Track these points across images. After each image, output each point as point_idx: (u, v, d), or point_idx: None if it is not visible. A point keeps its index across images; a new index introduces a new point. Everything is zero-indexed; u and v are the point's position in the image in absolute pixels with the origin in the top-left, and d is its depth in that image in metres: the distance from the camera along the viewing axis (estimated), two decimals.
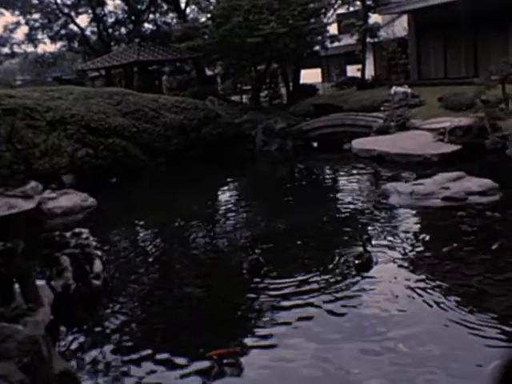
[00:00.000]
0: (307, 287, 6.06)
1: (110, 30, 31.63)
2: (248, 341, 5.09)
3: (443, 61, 23.40)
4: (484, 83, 13.88)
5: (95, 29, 31.68)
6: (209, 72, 28.75)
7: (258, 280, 6.48)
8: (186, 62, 27.63)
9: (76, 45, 33.10)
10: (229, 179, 14.01)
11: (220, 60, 24.68)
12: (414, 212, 8.81)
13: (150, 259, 7.87)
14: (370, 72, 27.19)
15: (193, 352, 4.86)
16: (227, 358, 4.67)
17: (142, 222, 10.45)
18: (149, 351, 4.96)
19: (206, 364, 4.63)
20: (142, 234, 9.75)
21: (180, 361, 4.76)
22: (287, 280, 6.34)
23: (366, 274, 6.34)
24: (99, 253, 6.83)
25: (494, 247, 6.70)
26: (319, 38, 24.04)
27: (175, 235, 9.17)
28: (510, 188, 9.42)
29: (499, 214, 8.18)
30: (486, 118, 13.20)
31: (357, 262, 6.61)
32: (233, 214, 10.30)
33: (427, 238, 7.54)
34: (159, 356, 4.86)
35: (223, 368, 4.58)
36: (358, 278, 6.25)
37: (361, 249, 6.82)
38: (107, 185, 13.27)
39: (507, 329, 4.77)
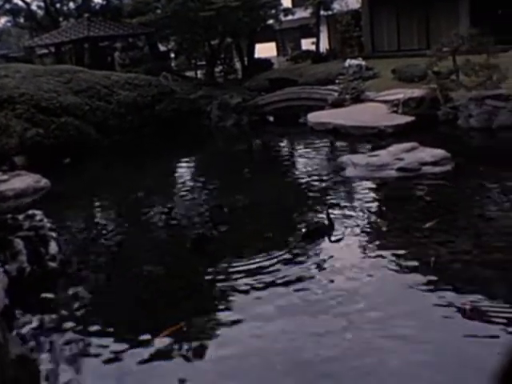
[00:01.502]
0: (265, 262, 6.08)
1: (58, 5, 30.46)
2: (206, 317, 5.09)
3: (396, 33, 23.61)
4: (435, 55, 14.06)
5: (42, 3, 30.47)
6: (162, 48, 28.17)
7: (215, 256, 6.49)
8: (139, 37, 27.00)
9: (22, 20, 31.84)
10: (185, 156, 13.89)
11: (173, 35, 24.23)
12: (369, 183, 8.93)
13: (108, 239, 7.75)
14: (324, 45, 27.20)
15: (151, 330, 4.83)
16: (180, 336, 4.67)
17: (98, 202, 10.28)
18: (107, 331, 4.92)
19: (165, 342, 4.62)
20: (98, 214, 9.60)
21: (139, 340, 4.73)
22: (245, 255, 6.36)
23: (322, 246, 6.42)
24: (54, 234, 6.68)
25: (427, 225, 6.68)
26: (273, 11, 23.88)
27: (133, 214, 9.06)
28: (462, 157, 9.65)
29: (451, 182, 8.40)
30: (438, 89, 13.42)
31: (304, 230, 6.75)
32: (191, 190, 10.24)
33: (381, 208, 7.68)
34: (118, 336, 4.83)
35: (179, 346, 4.58)
36: (316, 250, 6.33)
37: (315, 219, 6.93)
38: (61, 165, 12.94)
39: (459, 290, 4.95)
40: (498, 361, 1.65)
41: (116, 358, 4.51)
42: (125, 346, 4.65)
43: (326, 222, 6.88)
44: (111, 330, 4.96)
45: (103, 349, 4.63)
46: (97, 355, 4.56)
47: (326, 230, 6.77)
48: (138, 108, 16.75)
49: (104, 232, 8.17)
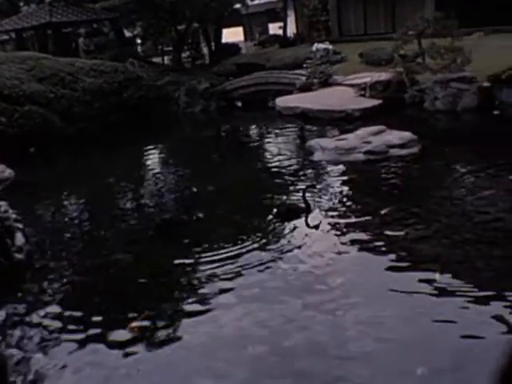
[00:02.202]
0: (235, 247, 6.10)
1: None
2: (178, 304, 5.09)
3: (363, 17, 23.68)
4: (401, 38, 14.14)
5: None
6: (128, 33, 27.72)
7: (184, 241, 6.48)
8: (103, 23, 26.51)
9: None
10: (153, 142, 13.74)
11: (139, 20, 23.82)
12: (337, 167, 8.98)
13: (76, 229, 7.67)
14: (291, 29, 27.11)
15: (121, 319, 4.80)
16: (150, 325, 4.65)
17: (65, 191, 10.10)
18: (76, 322, 4.86)
19: (133, 332, 4.59)
20: (65, 204, 9.44)
21: (108, 330, 4.69)
22: (215, 239, 6.37)
23: (293, 229, 6.45)
24: (20, 225, 6.57)
25: (383, 212, 6.73)
26: None
27: (101, 202, 8.96)
28: (428, 139, 9.77)
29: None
30: (404, 73, 13.53)
31: (275, 211, 6.87)
32: (160, 177, 10.16)
33: (349, 191, 7.74)
34: (88, 326, 4.77)
35: (150, 335, 4.56)
36: (286, 234, 6.37)
37: (285, 202, 6.99)
38: (26, 155, 12.68)
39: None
40: (497, 361, 1.64)
41: (86, 348, 4.47)
42: (95, 336, 4.61)
43: (302, 203, 6.97)
44: (80, 320, 4.90)
45: (73, 340, 4.59)
46: (66, 347, 4.51)
47: (298, 212, 6.84)
48: (104, 95, 16.46)
49: (72, 221, 8.07)
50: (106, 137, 14.57)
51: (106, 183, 9.84)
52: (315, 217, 6.76)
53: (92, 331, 4.69)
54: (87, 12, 23.83)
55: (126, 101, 16.93)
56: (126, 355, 4.33)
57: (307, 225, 6.65)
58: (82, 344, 4.54)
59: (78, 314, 5.07)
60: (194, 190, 7.53)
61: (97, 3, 22.03)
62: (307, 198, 7.02)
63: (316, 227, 6.51)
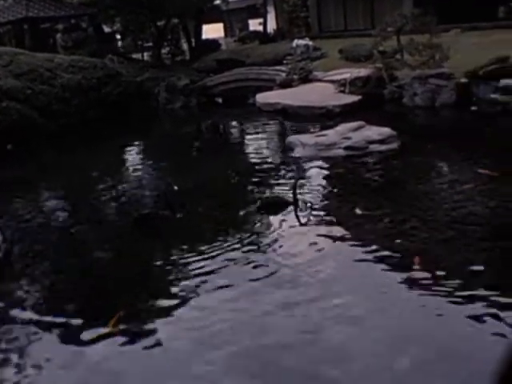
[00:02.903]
0: (217, 243, 6.08)
1: None
2: (160, 302, 5.06)
3: (343, 13, 23.78)
4: (380, 35, 14.24)
5: None
6: (107, 29, 27.47)
7: (164, 239, 6.47)
8: (82, 18, 26.22)
9: None
10: (133, 139, 13.66)
11: (118, 16, 23.61)
12: (317, 163, 9.01)
13: (55, 227, 7.60)
14: (272, 26, 27.11)
15: (100, 318, 4.76)
16: (128, 323, 4.63)
17: (43, 189, 10.02)
18: (56, 321, 4.81)
19: (112, 331, 4.56)
20: (44, 201, 9.34)
21: (88, 328, 4.65)
22: (196, 236, 6.37)
23: (276, 227, 6.47)
24: None
25: (359, 210, 6.83)
26: None
27: (81, 199, 8.88)
28: (407, 135, 9.86)
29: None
30: (383, 69, 13.61)
31: (259, 202, 6.96)
32: (140, 174, 10.10)
33: (329, 186, 7.79)
34: (67, 325, 4.72)
35: (128, 333, 4.54)
36: (266, 229, 6.39)
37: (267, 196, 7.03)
38: (3, 152, 12.51)
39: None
40: (497, 363, 1.63)
41: (63, 347, 4.44)
42: (74, 335, 4.56)
43: (286, 197, 7.04)
44: (60, 320, 4.85)
45: (52, 339, 4.55)
46: (43, 346, 4.47)
47: (282, 205, 6.90)
48: (83, 91, 16.31)
49: (51, 218, 8.00)
50: (85, 133, 14.45)
51: (85, 180, 9.77)
52: (302, 211, 6.81)
53: (70, 330, 4.64)
54: (65, 7, 23.56)
55: (105, 97, 16.80)
56: (104, 354, 4.29)
57: (297, 219, 6.67)
58: (59, 343, 4.52)
59: (57, 313, 5.02)
60: (175, 186, 7.48)
61: None
62: (295, 192, 7.06)
63: (304, 222, 6.55)
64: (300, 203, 6.95)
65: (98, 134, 14.33)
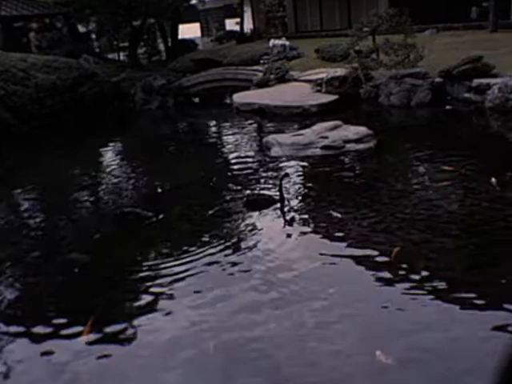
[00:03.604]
0: (197, 243, 6.05)
1: None
2: (133, 305, 5.01)
3: (319, 13, 23.92)
4: (356, 34, 14.33)
5: None
6: (82, 29, 27.19)
7: (143, 242, 6.40)
8: (56, 18, 25.92)
9: None
10: (110, 140, 13.53)
11: (93, 16, 23.39)
12: (294, 162, 9.02)
13: (30, 229, 7.47)
14: (248, 25, 27.15)
15: (77, 321, 4.70)
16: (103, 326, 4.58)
17: (18, 191, 9.84)
18: (28, 328, 4.72)
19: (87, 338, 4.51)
20: (19, 203, 9.19)
21: (65, 332, 4.59)
22: (177, 237, 6.33)
23: (258, 227, 6.46)
24: None
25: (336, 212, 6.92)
26: None
27: (57, 201, 8.77)
28: (383, 134, 9.94)
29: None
30: (359, 68, 13.71)
31: (245, 199, 7.04)
32: (117, 175, 9.98)
33: (306, 185, 7.80)
34: (40, 333, 4.64)
35: (104, 336, 4.49)
36: (248, 229, 6.38)
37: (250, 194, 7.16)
38: None
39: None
40: (498, 362, 1.63)
41: (36, 351, 4.37)
42: (47, 342, 4.48)
43: (269, 195, 7.12)
44: (32, 327, 4.75)
45: (22, 344, 4.47)
46: (16, 349, 4.40)
47: (267, 202, 6.94)
48: (57, 92, 16.14)
49: (25, 221, 7.86)
50: (60, 135, 14.30)
51: (61, 182, 9.65)
52: (286, 210, 6.83)
53: (44, 334, 4.57)
54: (39, 6, 23.28)
55: (80, 98, 16.65)
56: (79, 357, 4.23)
57: (283, 217, 6.68)
58: (32, 347, 4.44)
59: (30, 317, 4.95)
60: (156, 187, 7.40)
61: None
62: (281, 190, 7.09)
63: (285, 221, 6.57)
64: (286, 201, 6.99)
65: (73, 136, 14.19)
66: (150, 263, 5.76)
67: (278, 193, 7.09)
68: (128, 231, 6.75)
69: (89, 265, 5.98)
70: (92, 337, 4.44)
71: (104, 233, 6.92)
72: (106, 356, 4.23)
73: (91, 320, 4.58)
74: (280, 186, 7.07)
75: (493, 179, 7.02)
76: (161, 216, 6.98)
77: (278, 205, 6.95)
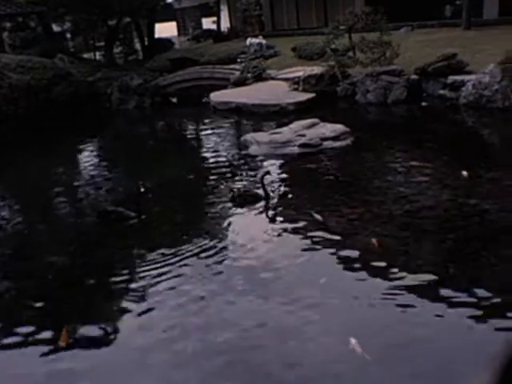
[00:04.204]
0: (180, 243, 6.02)
1: None
2: (116, 307, 4.97)
3: (295, 12, 23.97)
4: (332, 33, 14.40)
5: None
6: (57, 28, 26.85)
7: (124, 243, 6.36)
8: (30, 17, 25.55)
9: None
10: (87, 140, 13.40)
11: (68, 15, 23.12)
12: (272, 160, 9.04)
13: (7, 232, 7.35)
14: (225, 24, 27.08)
15: (57, 325, 4.64)
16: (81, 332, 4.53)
17: None
18: (3, 331, 4.67)
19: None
20: None
21: (39, 338, 4.52)
22: (159, 238, 6.30)
23: (233, 225, 6.47)
24: None
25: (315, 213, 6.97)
26: None
27: (35, 203, 8.64)
28: (360, 131, 10.00)
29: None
30: (336, 66, 13.77)
31: (231, 195, 7.11)
32: (95, 176, 9.86)
33: (284, 183, 7.83)
34: (16, 335, 4.59)
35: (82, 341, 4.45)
36: (225, 230, 6.37)
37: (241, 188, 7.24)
38: None
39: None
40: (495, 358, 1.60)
41: (11, 358, 4.31)
42: (23, 349, 4.43)
43: (255, 191, 7.15)
44: (7, 330, 4.70)
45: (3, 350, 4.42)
46: None
47: (253, 198, 7.00)
48: (32, 92, 15.94)
49: (2, 223, 7.74)
50: (36, 135, 14.11)
51: (38, 182, 9.53)
52: (269, 207, 6.87)
53: (20, 340, 4.51)
54: (12, 5, 22.87)
55: (56, 98, 16.47)
56: (55, 363, 4.18)
57: (266, 214, 6.71)
58: (6, 354, 4.37)
59: (5, 322, 4.87)
60: (138, 187, 7.25)
61: None
62: (264, 186, 7.14)
63: (271, 219, 6.58)
64: (268, 198, 7.05)
65: (50, 136, 14.00)
66: (130, 264, 5.72)
67: (258, 190, 7.12)
68: (110, 232, 6.67)
69: (68, 268, 5.90)
70: (68, 342, 4.37)
71: (86, 234, 6.85)
72: (81, 360, 4.19)
73: (65, 328, 4.48)
74: (262, 183, 7.11)
75: (464, 172, 7.13)
76: (143, 216, 6.89)
77: (262, 202, 6.98)
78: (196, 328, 4.39)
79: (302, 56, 16.65)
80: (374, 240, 5.46)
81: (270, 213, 6.76)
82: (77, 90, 17.14)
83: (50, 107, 15.98)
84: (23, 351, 4.39)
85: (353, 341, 3.87)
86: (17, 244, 6.87)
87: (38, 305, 5.15)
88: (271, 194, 7.19)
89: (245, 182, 7.93)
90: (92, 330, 4.57)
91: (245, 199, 7.01)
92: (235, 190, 7.25)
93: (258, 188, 7.25)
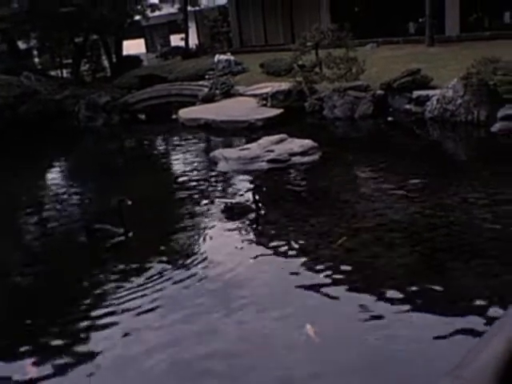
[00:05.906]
0: (162, 260, 5.99)
1: None
2: (94, 322, 4.88)
3: (263, 28, 24.22)
4: (299, 49, 14.58)
5: None
6: (23, 45, 26.55)
7: (101, 259, 6.29)
8: None
9: None
10: (55, 159, 13.26)
11: (33, 31, 22.87)
12: (241, 176, 9.05)
13: None
14: (193, 41, 27.19)
15: (33, 342, 4.54)
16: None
17: None
18: None
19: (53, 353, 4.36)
20: None
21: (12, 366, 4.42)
22: (132, 257, 6.24)
23: (203, 240, 6.44)
24: None
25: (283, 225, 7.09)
26: (139, 7, 23.40)
27: (4, 223, 8.45)
28: (328, 146, 10.11)
29: None
30: (303, 82, 13.92)
31: (223, 207, 7.24)
32: (62, 195, 9.73)
33: (253, 199, 7.83)
34: None
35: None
36: (194, 245, 6.33)
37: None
38: None
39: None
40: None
41: None
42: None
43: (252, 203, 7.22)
44: None
45: None
46: None
47: (244, 211, 7.10)
48: None
49: None
50: (3, 154, 13.85)
51: (4, 203, 9.32)
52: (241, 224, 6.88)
53: None
54: None
55: (22, 116, 16.24)
56: None
57: (256, 227, 6.78)
58: None
59: None
60: (129, 201, 7.01)
61: None
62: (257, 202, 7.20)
63: (241, 233, 6.61)
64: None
65: (17, 155, 13.77)
66: (110, 282, 5.61)
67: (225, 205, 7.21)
68: (97, 248, 6.59)
69: (43, 290, 5.77)
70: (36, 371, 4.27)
71: (51, 255, 6.73)
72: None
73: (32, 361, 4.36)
74: (253, 196, 7.20)
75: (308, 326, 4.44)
76: (130, 234, 6.73)
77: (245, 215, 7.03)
78: (171, 345, 4.34)
79: (270, 72, 16.80)
80: (308, 327, 4.26)
81: (241, 227, 6.74)
82: (44, 108, 16.94)
83: (17, 126, 15.75)
84: None
85: (308, 326, 3.86)
86: None
87: (11, 330, 5.02)
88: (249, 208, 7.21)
89: (214, 199, 7.90)
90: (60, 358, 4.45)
91: (236, 213, 7.08)
92: (226, 202, 7.38)
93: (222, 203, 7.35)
